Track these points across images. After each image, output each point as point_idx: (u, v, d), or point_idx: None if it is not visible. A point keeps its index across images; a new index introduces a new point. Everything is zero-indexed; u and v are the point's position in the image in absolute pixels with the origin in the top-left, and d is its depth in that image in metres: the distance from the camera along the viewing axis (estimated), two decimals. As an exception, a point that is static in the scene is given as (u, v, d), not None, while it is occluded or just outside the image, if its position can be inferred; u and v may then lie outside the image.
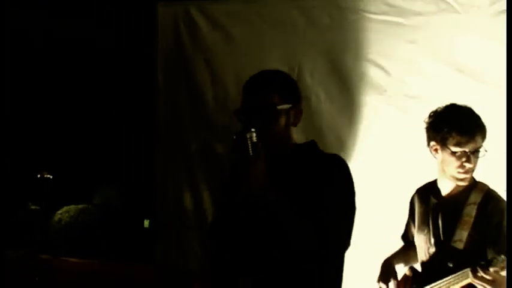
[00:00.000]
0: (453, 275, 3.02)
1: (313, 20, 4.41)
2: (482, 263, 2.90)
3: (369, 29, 4.24)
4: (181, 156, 4.76)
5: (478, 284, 2.92)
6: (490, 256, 2.93)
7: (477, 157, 3.10)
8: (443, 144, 3.11)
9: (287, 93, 2.62)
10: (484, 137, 3.11)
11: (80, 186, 5.32)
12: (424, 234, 3.25)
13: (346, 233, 2.51)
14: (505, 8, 3.90)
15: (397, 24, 4.18)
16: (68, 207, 5.17)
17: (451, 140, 3.08)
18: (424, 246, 3.25)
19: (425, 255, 3.24)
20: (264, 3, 4.56)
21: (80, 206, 5.18)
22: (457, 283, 3.01)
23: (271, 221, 2.45)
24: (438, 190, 3.24)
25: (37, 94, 5.26)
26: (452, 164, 3.11)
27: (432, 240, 3.21)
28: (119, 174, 5.28)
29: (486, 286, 2.89)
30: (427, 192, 3.30)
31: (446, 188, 3.21)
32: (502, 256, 2.84)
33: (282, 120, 2.58)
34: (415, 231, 3.35)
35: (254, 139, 2.42)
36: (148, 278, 4.63)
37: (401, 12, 4.17)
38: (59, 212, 5.13)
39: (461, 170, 3.11)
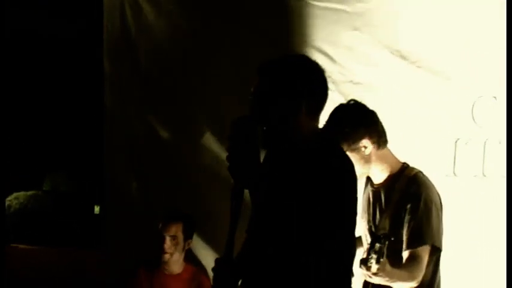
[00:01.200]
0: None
1: (258, 7, 4.29)
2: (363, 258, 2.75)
3: (313, 15, 4.13)
4: (129, 142, 4.67)
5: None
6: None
7: (357, 155, 2.97)
8: None
9: (284, 83, 2.32)
10: (362, 133, 2.97)
11: (30, 172, 5.23)
12: (363, 221, 3.15)
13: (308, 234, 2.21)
14: None
15: (341, 11, 4.06)
16: (17, 193, 5.07)
17: None
18: (363, 234, 3.15)
19: (365, 243, 3.13)
20: None
21: (30, 193, 5.08)
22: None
23: (264, 213, 2.26)
24: (370, 178, 3.14)
25: None
26: None
27: (367, 228, 3.12)
28: (69, 160, 5.22)
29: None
30: (366, 180, 3.19)
31: (376, 176, 3.10)
32: (372, 254, 2.67)
33: (278, 110, 2.31)
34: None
35: (246, 128, 2.26)
36: (97, 264, 4.56)
37: None
38: (8, 198, 4.99)
39: None
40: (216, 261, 2.35)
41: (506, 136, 3.57)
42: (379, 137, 3.01)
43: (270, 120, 2.32)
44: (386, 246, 2.63)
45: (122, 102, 4.68)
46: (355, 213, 2.40)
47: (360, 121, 2.99)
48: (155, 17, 4.54)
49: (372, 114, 3.06)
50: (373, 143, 2.98)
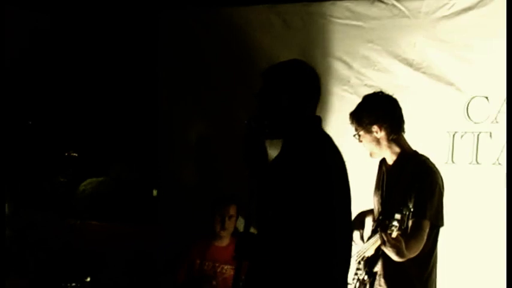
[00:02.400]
0: (374, 237, 3.07)
1: (288, 24, 4.45)
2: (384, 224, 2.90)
3: (334, 30, 4.30)
4: (180, 137, 4.80)
5: (382, 245, 2.95)
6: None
7: (370, 136, 3.17)
8: None
9: (275, 83, 2.40)
10: (358, 124, 3.18)
11: (100, 162, 5.37)
12: (377, 196, 3.29)
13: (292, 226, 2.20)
14: (447, 14, 4.01)
15: (358, 27, 4.24)
16: (90, 179, 5.21)
17: None
18: (376, 207, 3.30)
19: (376, 214, 3.28)
20: (249, 10, 4.59)
21: (100, 179, 5.23)
22: (375, 243, 3.05)
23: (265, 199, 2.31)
24: (385, 159, 3.29)
25: (67, 90, 5.29)
26: None
27: (380, 202, 3.26)
28: (133, 151, 5.31)
29: (386, 247, 2.91)
30: (381, 161, 3.35)
31: (389, 158, 3.25)
32: (393, 222, 2.82)
33: (275, 107, 2.38)
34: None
35: (253, 124, 2.36)
36: (155, 237, 4.67)
37: (361, 17, 4.23)
38: (83, 183, 5.17)
39: None
40: (238, 236, 2.43)
41: (506, 134, 3.68)
42: (390, 126, 3.14)
43: (270, 116, 2.38)
44: (407, 216, 2.81)
45: (175, 104, 4.77)
46: (342, 192, 2.35)
47: (374, 110, 3.16)
48: (204, 34, 4.67)
49: (389, 107, 3.19)
50: (384, 129, 3.13)
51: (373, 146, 3.20)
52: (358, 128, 3.20)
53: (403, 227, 2.80)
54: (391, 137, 3.17)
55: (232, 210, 4.22)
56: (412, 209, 2.87)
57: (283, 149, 2.40)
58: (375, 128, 3.14)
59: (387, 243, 2.87)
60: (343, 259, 2.36)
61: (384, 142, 3.18)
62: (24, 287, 4.40)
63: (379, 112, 3.15)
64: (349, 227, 2.47)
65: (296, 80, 2.40)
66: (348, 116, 3.26)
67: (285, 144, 2.40)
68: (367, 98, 3.27)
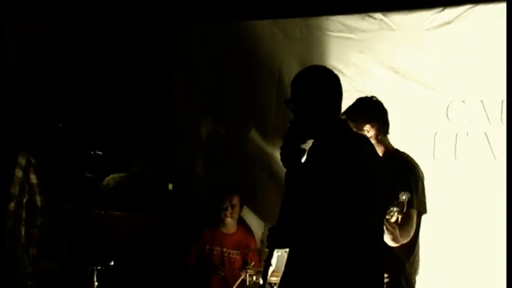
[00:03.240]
0: None
1: (289, 35, 4.64)
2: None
3: (329, 42, 4.48)
4: (194, 137, 4.95)
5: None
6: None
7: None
8: None
9: (303, 90, 2.39)
10: (351, 122, 3.13)
11: (122, 159, 5.49)
12: None
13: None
14: (429, 27, 4.20)
15: (350, 38, 4.42)
16: (113, 175, 5.37)
17: None
18: None
19: None
20: (255, 23, 4.77)
21: (122, 174, 5.39)
22: None
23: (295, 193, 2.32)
24: None
25: (93, 98, 5.46)
26: None
27: None
28: (151, 150, 5.45)
29: (387, 233, 2.96)
30: None
31: None
32: (394, 208, 2.87)
33: (302, 112, 2.39)
34: None
35: (292, 127, 2.40)
36: (170, 226, 4.85)
37: (352, 30, 4.42)
38: (107, 178, 5.33)
39: None
40: (269, 229, 2.43)
41: (506, 133, 3.79)
42: (380, 126, 3.24)
43: (302, 119, 2.39)
44: (406, 200, 2.85)
45: (188, 106, 4.92)
46: (372, 190, 2.33)
47: (368, 111, 3.25)
48: (215, 45, 4.86)
49: (380, 110, 3.29)
50: (375, 129, 3.22)
51: None
52: (351, 125, 3.22)
53: (404, 211, 2.85)
54: (379, 137, 3.27)
55: (236, 200, 4.46)
56: (410, 195, 2.93)
57: (313, 151, 2.39)
58: (367, 127, 3.23)
59: (385, 230, 2.89)
60: (370, 254, 2.33)
61: (373, 141, 3.25)
62: (56, 269, 4.63)
63: (373, 113, 3.27)
64: (379, 223, 2.48)
65: (323, 84, 2.39)
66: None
67: (315, 145, 2.41)
68: (362, 100, 3.34)
